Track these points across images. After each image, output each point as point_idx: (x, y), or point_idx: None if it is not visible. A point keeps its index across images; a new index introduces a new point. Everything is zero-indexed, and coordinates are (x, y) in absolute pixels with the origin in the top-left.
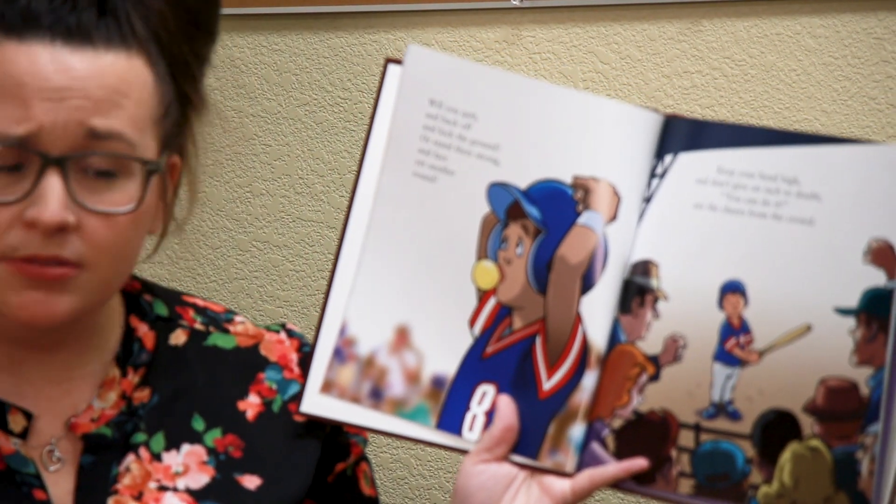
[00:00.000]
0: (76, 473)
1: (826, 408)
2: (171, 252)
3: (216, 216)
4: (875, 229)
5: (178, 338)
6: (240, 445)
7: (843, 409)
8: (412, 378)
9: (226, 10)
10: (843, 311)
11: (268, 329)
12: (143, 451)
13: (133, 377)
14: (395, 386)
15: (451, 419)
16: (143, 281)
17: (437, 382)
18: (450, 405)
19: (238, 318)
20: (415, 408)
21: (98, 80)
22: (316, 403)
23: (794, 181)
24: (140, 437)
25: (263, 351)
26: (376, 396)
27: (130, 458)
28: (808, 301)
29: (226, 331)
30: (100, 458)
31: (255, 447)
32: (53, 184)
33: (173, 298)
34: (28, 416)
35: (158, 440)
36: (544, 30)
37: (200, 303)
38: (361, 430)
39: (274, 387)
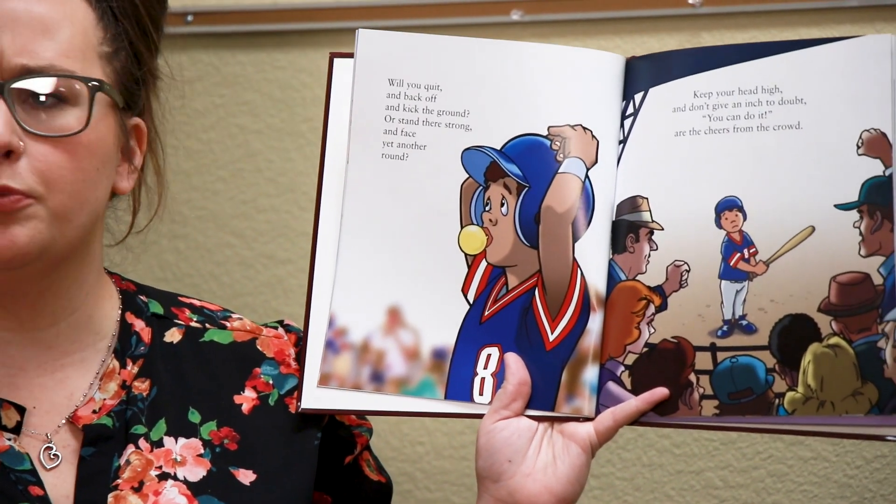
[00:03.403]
0: (77, 466)
1: (841, 303)
2: (175, 269)
3: (220, 232)
4: (865, 121)
5: (174, 335)
6: (235, 438)
7: (858, 301)
8: (412, 355)
9: (229, 28)
10: (845, 206)
11: (265, 326)
12: (143, 443)
13: (132, 368)
14: (396, 366)
15: (458, 387)
16: (138, 284)
17: (439, 354)
18: (455, 374)
19: (235, 316)
20: (419, 383)
21: (26, 13)
22: (316, 398)
23: (774, 90)
24: (140, 429)
25: (260, 346)
26: (378, 380)
27: (130, 450)
28: (808, 203)
29: (223, 327)
30: (100, 449)
31: (249, 440)
32: None
33: (169, 299)
34: (20, 410)
35: (159, 428)
36: (543, 42)
37: (197, 302)
38: (367, 415)
39: (270, 381)
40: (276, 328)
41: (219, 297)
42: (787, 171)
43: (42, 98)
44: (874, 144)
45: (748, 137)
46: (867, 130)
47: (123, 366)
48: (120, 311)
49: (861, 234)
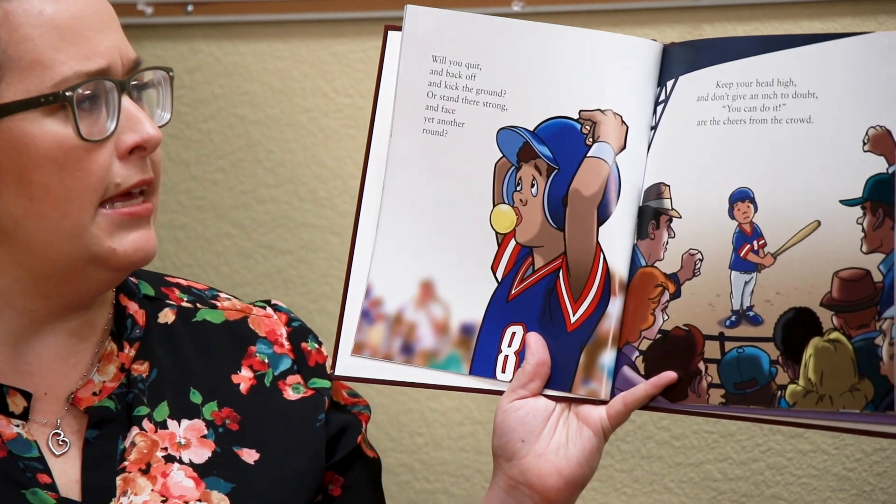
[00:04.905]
0: (82, 450)
1: (842, 299)
2: (175, 259)
3: (220, 222)
4: (873, 118)
5: (167, 316)
6: (236, 418)
7: (858, 297)
8: (441, 329)
9: (230, 18)
10: (849, 202)
11: (254, 305)
12: (146, 423)
13: (130, 351)
14: (426, 339)
15: (483, 363)
16: None
17: (466, 330)
18: (480, 350)
19: (223, 295)
20: (447, 357)
21: (106, 9)
22: (348, 366)
23: (789, 83)
24: (143, 409)
25: (252, 325)
26: (408, 351)
27: (135, 432)
28: (815, 197)
29: (213, 306)
30: (104, 432)
31: (250, 420)
32: (131, 105)
33: (157, 280)
34: (27, 396)
35: (162, 410)
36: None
37: (184, 282)
38: (395, 385)
39: (266, 360)
40: (264, 307)
41: (218, 287)
42: (796, 165)
43: (145, 91)
44: (879, 141)
45: (763, 129)
46: (873, 127)
47: (121, 348)
48: (113, 293)
49: (863, 230)
